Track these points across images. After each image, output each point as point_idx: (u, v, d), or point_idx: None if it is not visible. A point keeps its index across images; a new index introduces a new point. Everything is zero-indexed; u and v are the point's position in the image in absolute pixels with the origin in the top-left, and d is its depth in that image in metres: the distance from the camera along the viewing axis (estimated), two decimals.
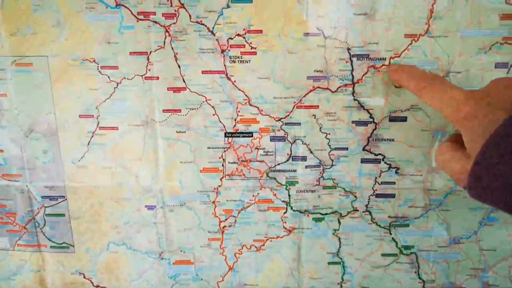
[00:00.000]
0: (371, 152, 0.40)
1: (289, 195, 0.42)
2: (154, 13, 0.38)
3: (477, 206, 0.40)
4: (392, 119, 0.39)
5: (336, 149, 0.40)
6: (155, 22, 0.38)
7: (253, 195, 0.42)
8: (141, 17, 0.38)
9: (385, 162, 0.40)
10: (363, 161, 0.40)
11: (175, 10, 0.37)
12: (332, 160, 0.40)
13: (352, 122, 0.39)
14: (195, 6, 0.37)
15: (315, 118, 0.39)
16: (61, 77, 0.40)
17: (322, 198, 0.41)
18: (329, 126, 0.39)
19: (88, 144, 0.41)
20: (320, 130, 0.40)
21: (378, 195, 0.41)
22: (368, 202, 0.41)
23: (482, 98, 0.28)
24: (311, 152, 0.40)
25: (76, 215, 0.44)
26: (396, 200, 0.41)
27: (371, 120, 0.39)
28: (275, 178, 0.41)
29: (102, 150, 0.41)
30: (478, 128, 0.27)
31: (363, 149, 0.40)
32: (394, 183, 0.40)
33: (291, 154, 0.41)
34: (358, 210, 0.42)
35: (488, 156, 0.25)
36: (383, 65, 0.38)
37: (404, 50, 0.37)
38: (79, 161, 0.42)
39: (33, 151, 0.42)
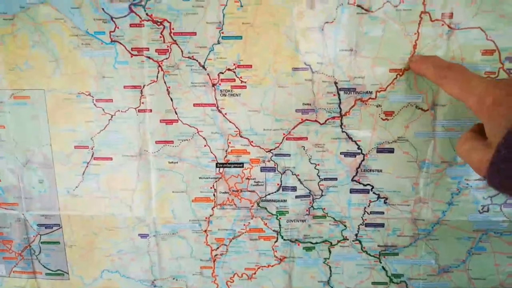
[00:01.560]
0: (359, 183, 0.41)
1: (279, 225, 0.42)
2: (148, 49, 0.39)
3: (465, 235, 0.41)
4: (380, 151, 0.40)
5: (325, 179, 0.41)
6: (149, 57, 0.39)
7: (244, 224, 0.43)
8: (135, 52, 0.39)
9: (373, 192, 0.41)
10: (352, 191, 0.41)
11: (168, 46, 0.39)
12: (322, 190, 0.41)
13: (341, 153, 0.40)
14: (187, 42, 0.38)
15: (304, 149, 0.40)
16: (57, 110, 0.41)
17: (313, 227, 0.42)
18: (318, 157, 0.40)
19: (83, 174, 0.42)
20: (309, 161, 0.40)
21: (367, 225, 0.42)
22: (358, 231, 0.42)
23: (506, 87, 0.28)
24: (301, 182, 0.41)
25: (70, 243, 0.45)
26: (385, 229, 0.41)
27: (359, 151, 0.40)
28: (265, 208, 0.42)
29: (96, 180, 0.42)
30: (501, 117, 0.27)
31: (352, 180, 0.41)
32: (383, 212, 0.41)
33: (281, 184, 0.41)
34: (348, 239, 0.42)
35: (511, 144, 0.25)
36: (369, 98, 0.38)
37: (390, 84, 0.38)
38: (74, 190, 0.43)
39: (29, 180, 0.43)
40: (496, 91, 0.28)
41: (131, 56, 0.39)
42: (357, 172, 0.40)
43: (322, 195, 0.41)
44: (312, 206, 0.41)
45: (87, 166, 0.42)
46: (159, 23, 0.38)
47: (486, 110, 0.28)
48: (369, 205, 0.41)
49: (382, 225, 0.41)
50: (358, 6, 0.37)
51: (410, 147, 0.39)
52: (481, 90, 0.29)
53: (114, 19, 0.38)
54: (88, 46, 0.39)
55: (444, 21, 0.36)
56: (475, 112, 0.30)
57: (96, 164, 0.42)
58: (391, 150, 0.40)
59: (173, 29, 0.38)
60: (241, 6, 0.37)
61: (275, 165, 0.41)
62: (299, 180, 0.41)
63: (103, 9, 0.38)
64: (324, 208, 0.41)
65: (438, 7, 0.36)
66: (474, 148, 0.30)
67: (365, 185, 0.41)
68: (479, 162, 0.29)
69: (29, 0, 0.38)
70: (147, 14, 0.38)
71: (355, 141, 0.40)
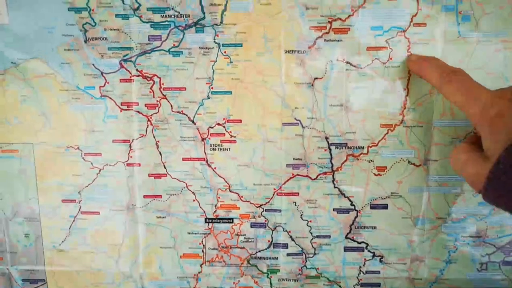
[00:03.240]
0: (354, 240, 0.39)
1: (270, 283, 0.41)
2: (137, 104, 0.39)
3: None
4: (373, 207, 0.39)
5: (318, 237, 0.39)
6: (138, 112, 0.39)
7: (234, 283, 0.41)
8: (125, 107, 0.39)
9: (368, 250, 0.39)
10: (346, 249, 0.39)
11: (157, 101, 0.39)
12: (315, 248, 0.40)
13: (333, 209, 0.39)
14: (177, 97, 0.38)
15: (295, 205, 0.39)
16: (45, 164, 0.40)
17: (306, 287, 0.40)
18: (310, 213, 0.39)
19: (70, 228, 0.41)
20: (301, 217, 0.39)
21: (363, 285, 0.40)
22: None
23: (510, 98, 0.27)
24: (292, 239, 0.40)
25: None
26: None
27: (352, 207, 0.39)
28: (256, 266, 0.41)
29: (83, 234, 0.41)
30: (504, 129, 0.26)
31: (346, 237, 0.39)
32: (379, 272, 0.39)
33: (272, 241, 0.40)
34: None
35: None
36: (361, 153, 0.38)
37: (381, 140, 0.37)
38: (60, 245, 0.42)
39: (15, 235, 0.42)
40: (501, 101, 0.27)
41: (121, 111, 0.39)
42: (351, 229, 0.39)
43: (315, 254, 0.40)
44: (305, 265, 0.40)
45: (74, 220, 0.41)
46: (149, 79, 0.38)
47: (489, 121, 0.27)
48: (364, 264, 0.39)
49: (378, 284, 0.40)
50: (347, 62, 0.36)
51: (404, 203, 0.38)
52: (486, 100, 0.28)
53: (104, 74, 0.38)
54: (78, 100, 0.39)
55: None
56: (475, 122, 0.28)
57: (83, 218, 0.41)
58: (385, 206, 0.38)
59: (162, 84, 0.38)
60: (231, 62, 0.37)
61: (265, 221, 0.40)
62: (290, 237, 0.40)
63: (93, 64, 0.38)
64: (318, 268, 0.40)
65: None
66: (471, 160, 0.28)
67: (359, 243, 0.39)
68: (475, 175, 0.27)
69: (20, 55, 0.38)
70: (137, 70, 0.38)
71: (347, 197, 0.39)
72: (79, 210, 0.41)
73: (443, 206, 0.38)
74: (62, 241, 0.42)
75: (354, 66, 0.37)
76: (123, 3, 0.37)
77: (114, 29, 0.38)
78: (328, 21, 0.36)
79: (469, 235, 0.38)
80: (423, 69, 0.34)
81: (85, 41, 0.38)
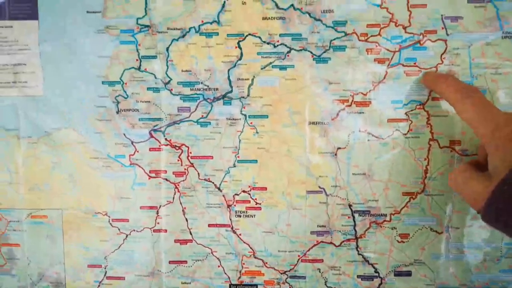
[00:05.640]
0: None
1: None
2: (165, 171, 0.40)
3: None
4: (397, 274, 0.39)
5: None
6: (166, 179, 0.40)
7: None
8: (153, 175, 0.40)
9: None
10: None
11: (185, 169, 0.40)
12: None
13: (358, 276, 0.39)
14: (204, 165, 0.40)
15: (320, 272, 0.40)
16: (73, 229, 0.41)
17: None
18: (335, 280, 0.40)
19: None
20: (326, 284, 0.40)
21: None
22: None
23: None
24: None
25: None
26: None
27: (376, 274, 0.39)
28: None
29: None
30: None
31: None
32: None
33: None
34: None
35: None
36: (384, 220, 0.39)
37: (403, 207, 0.38)
38: None
39: None
40: None
41: (149, 178, 0.40)
42: None
43: None
44: None
45: (99, 285, 0.42)
46: (177, 148, 0.40)
47: (498, 141, 0.28)
48: None
49: None
50: (369, 133, 0.38)
51: (427, 269, 0.39)
52: (499, 120, 0.29)
53: (134, 144, 0.40)
54: (108, 168, 0.40)
55: (453, 147, 0.37)
56: (484, 141, 0.29)
57: (108, 283, 0.41)
58: (408, 273, 0.39)
59: (190, 153, 0.40)
60: (257, 132, 0.39)
61: (290, 287, 0.40)
62: None
63: (124, 134, 0.40)
64: None
65: (445, 134, 0.37)
66: (473, 178, 0.29)
67: None
68: (476, 193, 0.28)
69: (53, 125, 0.40)
70: (166, 139, 0.40)
71: (371, 264, 0.39)
72: (105, 275, 0.41)
73: (466, 273, 0.39)
74: None
75: (376, 137, 0.38)
76: (155, 77, 0.39)
77: (145, 101, 0.39)
78: (350, 95, 0.38)
79: None
80: (440, 86, 0.34)
81: (117, 112, 0.40)
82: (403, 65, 0.37)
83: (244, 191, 0.40)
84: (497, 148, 0.28)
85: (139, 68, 0.39)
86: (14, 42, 0.39)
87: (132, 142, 0.40)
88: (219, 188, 0.40)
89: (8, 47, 0.39)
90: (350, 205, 0.39)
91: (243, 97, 0.39)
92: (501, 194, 0.26)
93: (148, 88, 0.39)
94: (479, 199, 0.28)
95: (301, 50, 0.38)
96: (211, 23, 0.38)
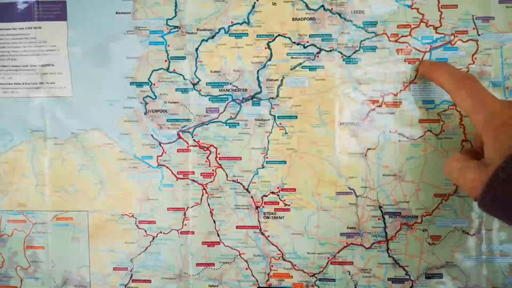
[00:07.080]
0: None
1: None
2: (193, 173, 0.40)
3: None
4: (428, 276, 0.38)
5: None
6: (194, 180, 0.40)
7: None
8: (181, 176, 0.40)
9: None
10: None
11: (213, 170, 0.40)
12: None
13: (388, 279, 0.39)
14: (232, 166, 0.39)
15: (349, 274, 0.39)
16: (99, 231, 0.41)
17: None
18: (365, 283, 0.39)
19: None
20: (355, 287, 0.39)
21: None
22: None
23: None
24: None
25: None
26: None
27: (407, 277, 0.39)
28: None
29: None
30: (507, 138, 0.27)
31: None
32: None
33: None
34: None
35: None
36: (415, 222, 0.38)
37: (435, 209, 0.38)
38: None
39: None
40: (510, 111, 0.28)
41: (177, 179, 0.40)
42: None
43: None
44: None
45: None
46: (205, 149, 0.39)
47: (494, 128, 0.28)
48: None
49: None
50: (400, 134, 0.38)
51: (459, 272, 0.38)
52: (494, 108, 0.29)
53: (162, 145, 0.40)
54: (135, 169, 0.40)
55: None
56: (479, 129, 0.29)
57: (134, 286, 0.41)
58: (440, 276, 0.38)
59: (219, 154, 0.39)
60: (286, 133, 0.39)
61: None
62: None
63: (152, 135, 0.40)
64: None
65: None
66: (468, 166, 0.29)
67: None
68: (472, 181, 0.28)
69: (80, 126, 0.40)
70: (194, 140, 0.39)
71: (402, 266, 0.39)
72: (131, 278, 0.41)
73: (498, 275, 0.38)
74: None
75: (407, 138, 0.38)
76: (184, 78, 0.39)
77: (174, 102, 0.39)
78: (381, 95, 0.38)
79: None
80: (435, 74, 0.34)
81: (145, 113, 0.39)
82: None
83: (272, 192, 0.39)
84: (493, 135, 0.28)
85: (167, 69, 0.39)
86: (43, 43, 0.39)
87: (160, 143, 0.40)
88: (247, 190, 0.39)
89: (36, 48, 0.39)
90: (380, 207, 0.38)
91: (272, 98, 0.39)
92: (498, 182, 0.26)
93: (177, 89, 0.39)
94: (476, 187, 0.28)
95: (331, 50, 0.38)
96: (241, 23, 0.38)
